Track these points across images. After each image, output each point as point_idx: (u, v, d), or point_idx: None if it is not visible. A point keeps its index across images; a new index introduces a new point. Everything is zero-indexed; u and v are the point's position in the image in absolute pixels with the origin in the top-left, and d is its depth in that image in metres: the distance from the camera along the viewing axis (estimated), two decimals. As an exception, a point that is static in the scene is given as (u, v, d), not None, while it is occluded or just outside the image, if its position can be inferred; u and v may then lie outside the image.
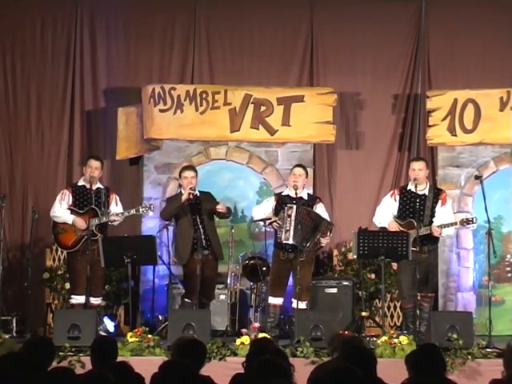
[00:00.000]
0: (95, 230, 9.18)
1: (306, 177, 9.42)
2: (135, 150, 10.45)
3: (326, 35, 10.96)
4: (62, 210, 9.31)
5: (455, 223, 9.13)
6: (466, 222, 9.17)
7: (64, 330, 8.29)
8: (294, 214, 9.01)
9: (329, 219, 9.34)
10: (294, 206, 9.05)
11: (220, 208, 9.30)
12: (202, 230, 9.26)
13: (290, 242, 8.99)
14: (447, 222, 9.07)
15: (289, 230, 8.99)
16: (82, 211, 9.26)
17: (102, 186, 9.45)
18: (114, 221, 9.32)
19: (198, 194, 9.35)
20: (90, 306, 9.09)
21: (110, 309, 10.04)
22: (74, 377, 4.47)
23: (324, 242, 9.21)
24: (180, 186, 9.55)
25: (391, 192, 9.50)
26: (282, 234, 9.03)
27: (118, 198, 9.48)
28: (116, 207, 9.40)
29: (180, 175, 9.48)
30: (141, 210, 9.30)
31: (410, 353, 5.47)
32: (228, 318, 9.52)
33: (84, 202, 9.31)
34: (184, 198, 9.23)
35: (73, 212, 9.27)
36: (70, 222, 9.24)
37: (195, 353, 5.32)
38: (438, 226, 9.03)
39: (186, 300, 9.26)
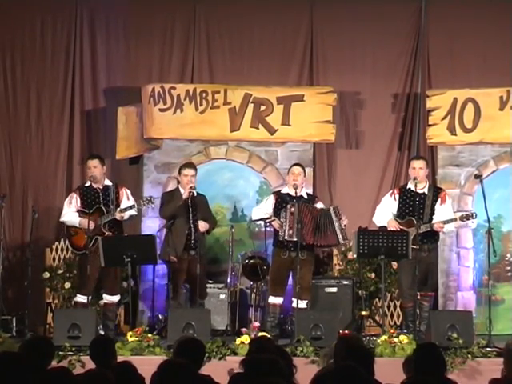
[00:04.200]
0: (103, 229, 9.16)
1: (305, 175, 9.42)
2: (135, 150, 10.45)
3: (326, 34, 10.96)
4: (69, 213, 9.26)
5: (455, 219, 9.13)
6: (465, 218, 9.17)
7: (64, 330, 8.30)
8: (296, 212, 9.01)
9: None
10: (297, 204, 9.05)
11: (203, 227, 9.32)
12: (193, 230, 9.27)
13: (294, 239, 8.98)
14: (448, 218, 9.08)
15: (292, 228, 8.99)
16: (90, 211, 9.22)
17: (110, 183, 9.43)
18: (122, 217, 9.26)
19: (196, 195, 9.37)
20: (107, 305, 9.15)
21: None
22: (72, 376, 4.47)
23: (346, 222, 9.16)
24: (178, 182, 9.53)
25: (391, 191, 9.51)
26: (284, 232, 9.02)
27: (128, 192, 9.43)
28: (128, 201, 9.34)
29: (180, 172, 9.47)
30: (141, 203, 9.28)
31: (409, 354, 5.47)
32: (228, 318, 9.50)
33: (92, 202, 9.27)
34: (185, 197, 9.23)
35: (81, 213, 9.23)
36: (77, 225, 9.22)
37: (194, 352, 5.32)
38: (441, 222, 9.03)
39: (173, 302, 9.25)
